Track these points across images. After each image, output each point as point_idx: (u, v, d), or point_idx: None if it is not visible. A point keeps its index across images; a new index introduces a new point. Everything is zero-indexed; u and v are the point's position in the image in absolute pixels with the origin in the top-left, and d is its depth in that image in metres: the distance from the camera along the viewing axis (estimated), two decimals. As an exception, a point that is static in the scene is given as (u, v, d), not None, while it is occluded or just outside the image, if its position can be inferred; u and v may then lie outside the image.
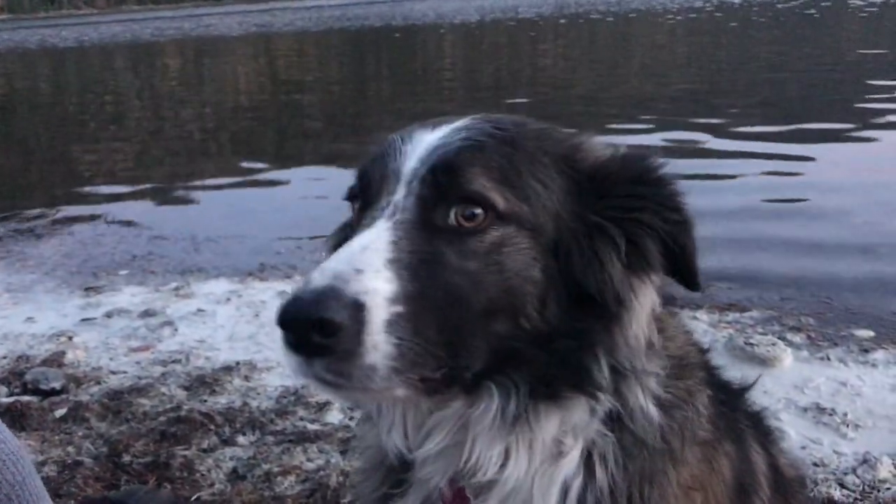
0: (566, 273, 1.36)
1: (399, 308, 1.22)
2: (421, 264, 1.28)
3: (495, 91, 17.54)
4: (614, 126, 10.97)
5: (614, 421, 1.42)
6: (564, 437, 1.40)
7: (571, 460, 1.41)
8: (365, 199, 1.44)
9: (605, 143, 1.52)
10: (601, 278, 1.35)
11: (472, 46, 32.54)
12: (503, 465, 1.39)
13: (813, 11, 34.20)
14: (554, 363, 1.35)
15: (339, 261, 1.25)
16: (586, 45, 29.43)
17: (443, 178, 1.34)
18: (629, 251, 1.38)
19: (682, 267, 1.43)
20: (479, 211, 1.32)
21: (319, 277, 1.21)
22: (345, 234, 1.60)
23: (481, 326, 1.31)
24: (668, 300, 1.58)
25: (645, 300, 1.40)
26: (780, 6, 35.64)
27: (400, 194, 1.36)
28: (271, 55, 35.88)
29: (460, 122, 1.45)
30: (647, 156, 1.46)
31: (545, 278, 1.34)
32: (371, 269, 1.23)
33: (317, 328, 1.17)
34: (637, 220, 1.38)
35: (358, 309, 1.18)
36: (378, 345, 1.19)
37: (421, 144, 1.41)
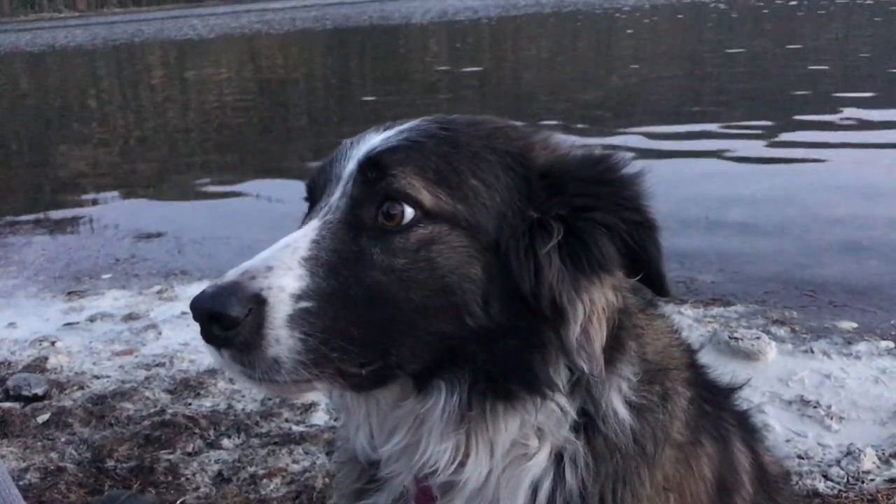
0: (508, 271, 1.35)
1: (307, 304, 1.26)
2: (342, 262, 1.31)
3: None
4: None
5: (586, 424, 1.43)
6: (528, 439, 1.40)
7: (538, 463, 1.41)
8: (311, 202, 1.50)
9: (569, 142, 1.50)
10: (536, 277, 1.35)
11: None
12: (463, 465, 1.40)
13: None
14: (499, 361, 1.35)
15: (256, 259, 1.31)
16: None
17: (371, 177, 1.37)
18: (578, 250, 1.36)
19: (646, 271, 1.41)
20: (402, 209, 1.33)
21: (231, 274, 1.28)
22: None
23: (419, 325, 1.32)
24: (648, 303, 1.57)
25: (596, 300, 1.39)
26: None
27: (336, 195, 1.40)
28: (254, 56, 35.73)
29: (409, 124, 1.46)
30: (610, 156, 1.44)
31: (486, 276, 1.34)
32: (282, 266, 1.28)
33: (215, 321, 1.23)
34: (590, 219, 1.36)
35: (260, 303, 1.24)
36: (280, 338, 1.24)
37: (364, 147, 1.43)
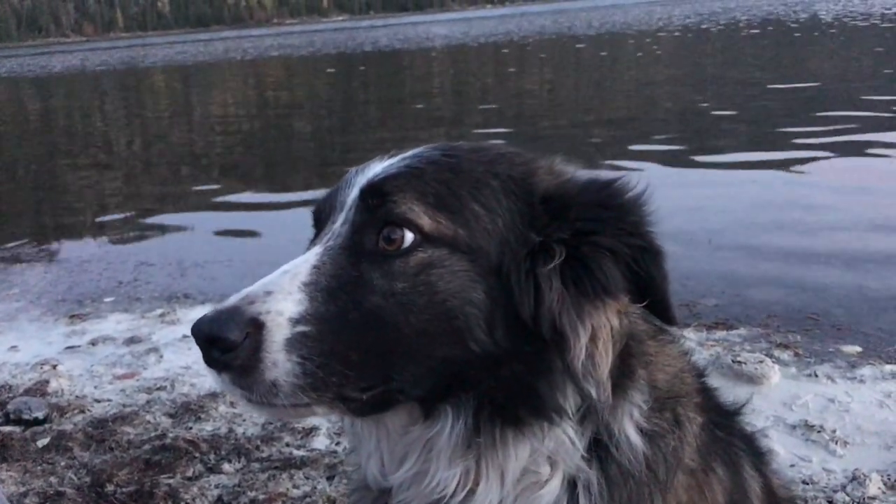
0: (511, 295, 1.35)
1: (305, 328, 1.27)
2: (342, 287, 1.32)
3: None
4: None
5: (599, 451, 1.41)
6: (539, 466, 1.39)
7: (551, 491, 1.39)
8: (316, 229, 1.52)
9: (573, 168, 1.50)
10: (535, 300, 1.34)
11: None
12: (473, 492, 1.38)
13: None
14: (506, 386, 1.34)
15: (257, 284, 1.33)
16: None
17: (372, 203, 1.38)
18: (581, 274, 1.36)
19: (652, 297, 1.41)
20: (402, 233, 1.34)
21: (231, 299, 1.30)
22: None
23: (422, 350, 1.32)
24: (659, 329, 1.56)
25: (600, 324, 1.38)
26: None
27: (339, 222, 1.42)
28: (258, 81, 35.96)
29: (412, 151, 1.48)
30: (614, 180, 1.44)
31: (489, 301, 1.34)
32: (281, 291, 1.30)
33: (214, 344, 1.25)
34: (592, 242, 1.36)
35: (258, 328, 1.25)
36: (278, 362, 1.25)
37: (367, 174, 1.46)
